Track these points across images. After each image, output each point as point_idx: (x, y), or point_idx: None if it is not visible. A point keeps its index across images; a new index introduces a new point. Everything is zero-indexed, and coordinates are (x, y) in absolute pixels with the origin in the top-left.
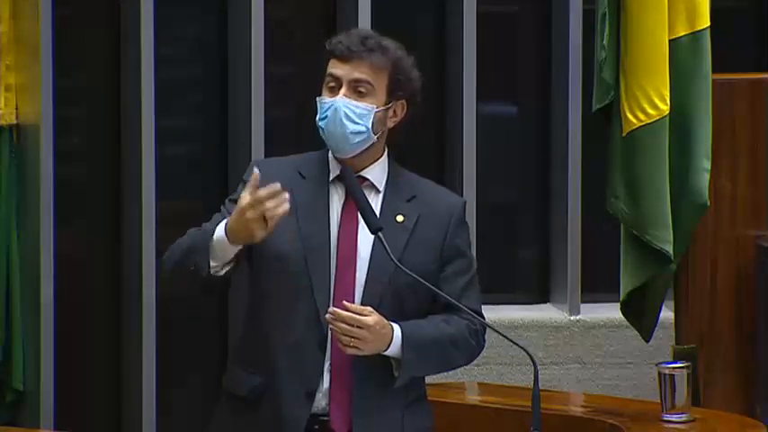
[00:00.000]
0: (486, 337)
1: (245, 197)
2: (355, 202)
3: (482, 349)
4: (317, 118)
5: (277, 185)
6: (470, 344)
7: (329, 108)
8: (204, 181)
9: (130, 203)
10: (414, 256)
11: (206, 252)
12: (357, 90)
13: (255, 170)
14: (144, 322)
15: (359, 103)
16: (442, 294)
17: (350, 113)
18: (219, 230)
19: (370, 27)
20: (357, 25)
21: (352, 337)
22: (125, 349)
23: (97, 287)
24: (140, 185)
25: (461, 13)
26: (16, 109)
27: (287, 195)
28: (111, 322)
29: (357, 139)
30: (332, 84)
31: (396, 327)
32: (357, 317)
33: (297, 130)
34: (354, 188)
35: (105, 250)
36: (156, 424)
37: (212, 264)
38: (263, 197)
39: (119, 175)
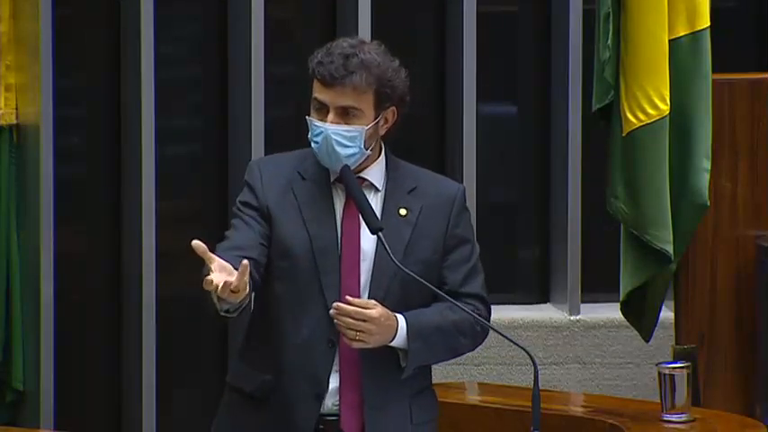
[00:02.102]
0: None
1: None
2: (355, 203)
3: (487, 334)
4: (310, 135)
5: (229, 271)
6: (475, 329)
7: (320, 134)
8: (204, 181)
9: (130, 203)
10: (418, 249)
11: (213, 297)
12: (345, 113)
13: (196, 245)
14: (144, 322)
15: (348, 128)
16: (444, 295)
17: (340, 139)
18: None
19: (369, 27)
20: (357, 26)
21: (358, 330)
22: (125, 349)
23: (97, 287)
24: (140, 185)
25: (461, 13)
26: (16, 109)
27: (245, 267)
28: (111, 322)
29: (351, 160)
30: (318, 107)
31: (400, 317)
32: (361, 310)
33: (297, 130)
34: (354, 189)
35: (105, 250)
36: (156, 424)
37: (221, 307)
38: (219, 290)
39: (119, 175)
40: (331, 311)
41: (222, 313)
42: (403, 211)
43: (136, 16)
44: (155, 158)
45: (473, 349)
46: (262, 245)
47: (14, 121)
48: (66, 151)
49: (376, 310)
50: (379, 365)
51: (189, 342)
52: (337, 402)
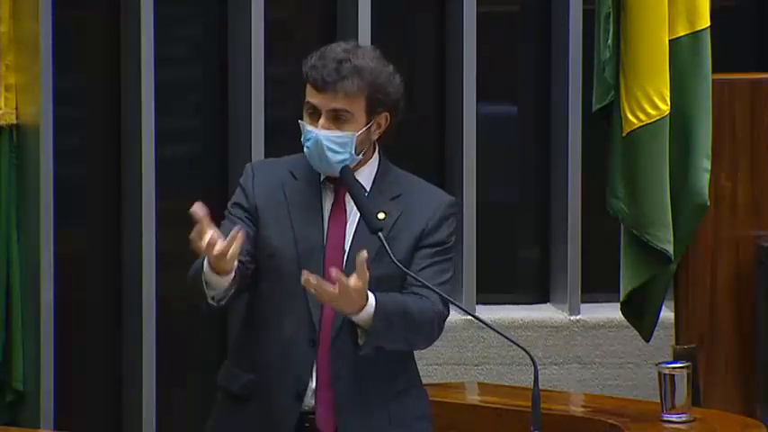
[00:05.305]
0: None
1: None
2: (355, 203)
3: (439, 335)
4: (302, 139)
5: (213, 231)
6: (433, 326)
7: (311, 139)
8: (204, 181)
9: (130, 203)
10: (391, 250)
11: (201, 284)
12: (336, 118)
13: (196, 209)
14: (144, 322)
15: (340, 133)
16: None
17: (331, 145)
18: (207, 262)
19: (369, 27)
20: (357, 26)
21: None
22: (125, 349)
23: (97, 287)
24: (140, 185)
25: (461, 13)
26: (16, 109)
27: (238, 232)
28: (111, 322)
29: (342, 165)
30: (311, 111)
31: (371, 295)
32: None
33: (297, 131)
34: (354, 189)
35: (105, 250)
36: (156, 424)
37: (209, 293)
38: (206, 245)
39: (119, 175)
40: (303, 278)
41: (210, 301)
42: (381, 216)
43: (136, 16)
44: (155, 158)
45: (425, 347)
46: (247, 243)
47: (14, 121)
48: (67, 151)
49: (352, 281)
50: (350, 371)
51: (189, 342)
52: (315, 400)
